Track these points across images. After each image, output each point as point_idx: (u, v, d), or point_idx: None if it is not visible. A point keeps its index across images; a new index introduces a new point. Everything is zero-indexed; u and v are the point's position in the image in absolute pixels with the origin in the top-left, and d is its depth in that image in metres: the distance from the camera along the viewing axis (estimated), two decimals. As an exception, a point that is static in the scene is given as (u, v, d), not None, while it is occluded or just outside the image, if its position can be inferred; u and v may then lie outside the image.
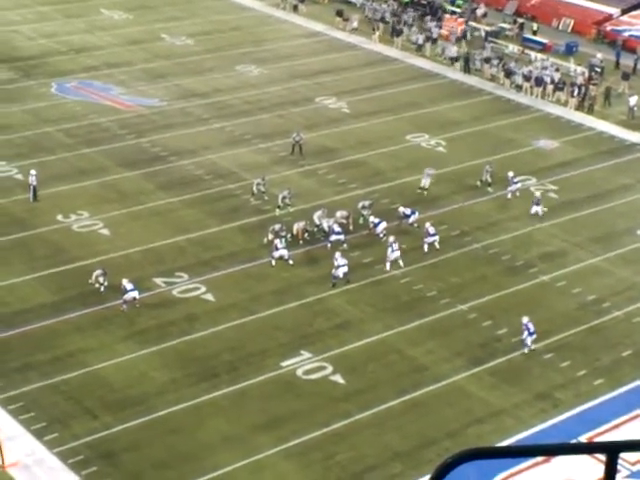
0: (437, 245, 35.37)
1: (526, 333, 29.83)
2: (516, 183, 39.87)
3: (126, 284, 31.06)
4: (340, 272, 32.89)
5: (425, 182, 39.64)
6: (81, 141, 43.40)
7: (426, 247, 35.19)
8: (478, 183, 40.34)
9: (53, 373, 28.20)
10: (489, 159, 42.29)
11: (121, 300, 31.09)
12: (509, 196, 39.64)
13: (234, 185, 39.76)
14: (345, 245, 34.70)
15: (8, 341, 29.56)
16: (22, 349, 29.16)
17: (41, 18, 59.62)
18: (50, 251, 34.59)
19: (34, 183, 37.42)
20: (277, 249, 33.89)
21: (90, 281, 31.92)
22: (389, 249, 33.94)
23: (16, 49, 54.39)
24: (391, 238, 34.28)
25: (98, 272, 31.94)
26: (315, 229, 35.83)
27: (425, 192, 39.42)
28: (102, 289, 31.75)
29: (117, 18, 60.67)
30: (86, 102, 47.77)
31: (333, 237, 35.06)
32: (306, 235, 35.57)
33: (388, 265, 34.01)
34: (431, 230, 35.25)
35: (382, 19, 60.76)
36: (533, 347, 29.96)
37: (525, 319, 29.96)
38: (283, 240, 34.10)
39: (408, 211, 36.86)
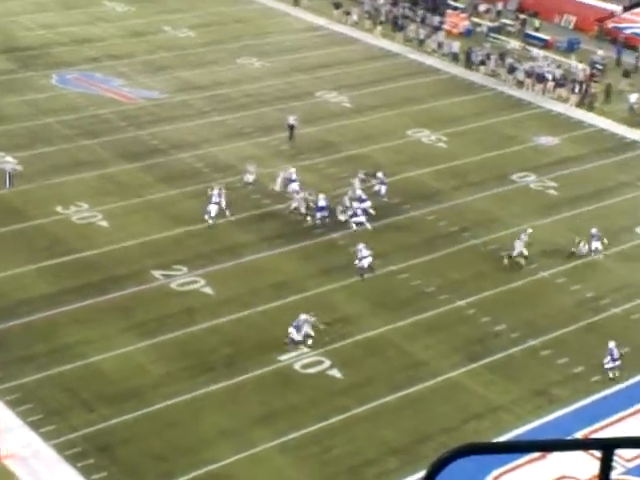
0: (371, 210, 36.62)
1: (609, 358, 28.76)
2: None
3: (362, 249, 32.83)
4: (365, 263, 33.06)
5: (277, 185, 38.24)
6: (81, 132, 43.36)
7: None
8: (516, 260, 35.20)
9: (51, 365, 28.19)
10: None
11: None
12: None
13: (234, 178, 39.71)
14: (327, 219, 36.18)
15: (7, 332, 29.55)
16: (20, 340, 29.16)
17: (41, 9, 59.48)
18: (49, 242, 34.58)
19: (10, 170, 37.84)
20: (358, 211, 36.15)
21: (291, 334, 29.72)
22: (354, 218, 35.99)
23: (16, 39, 54.28)
24: (359, 211, 36.20)
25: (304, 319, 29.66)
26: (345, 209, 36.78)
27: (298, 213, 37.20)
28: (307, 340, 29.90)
29: (119, 10, 60.58)
30: (87, 94, 47.71)
31: (319, 214, 36.24)
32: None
33: (343, 217, 36.17)
34: (363, 196, 36.80)
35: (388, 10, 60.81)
36: (614, 375, 28.78)
37: (612, 344, 28.83)
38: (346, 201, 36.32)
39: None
